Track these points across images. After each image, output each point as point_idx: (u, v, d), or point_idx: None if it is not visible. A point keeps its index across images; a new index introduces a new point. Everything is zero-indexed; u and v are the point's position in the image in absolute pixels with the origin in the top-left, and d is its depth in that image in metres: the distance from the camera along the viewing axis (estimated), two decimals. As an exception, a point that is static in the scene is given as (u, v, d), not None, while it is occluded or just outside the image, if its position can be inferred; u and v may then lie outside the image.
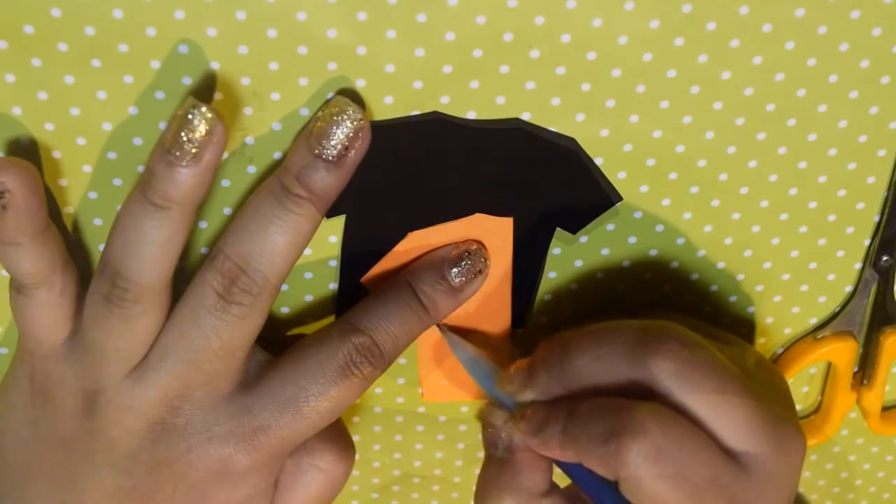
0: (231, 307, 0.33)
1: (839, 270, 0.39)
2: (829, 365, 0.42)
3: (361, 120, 0.32)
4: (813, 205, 0.37)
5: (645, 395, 0.33)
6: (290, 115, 0.33)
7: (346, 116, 0.32)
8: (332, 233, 0.36)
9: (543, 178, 0.35)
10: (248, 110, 0.33)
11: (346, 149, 0.32)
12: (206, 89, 0.32)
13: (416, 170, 0.35)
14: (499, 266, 0.37)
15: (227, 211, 0.35)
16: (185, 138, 0.31)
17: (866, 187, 0.37)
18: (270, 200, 0.33)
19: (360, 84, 0.33)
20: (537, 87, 0.33)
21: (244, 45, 0.32)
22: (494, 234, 0.36)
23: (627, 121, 0.34)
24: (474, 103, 0.33)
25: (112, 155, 0.34)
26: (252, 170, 0.34)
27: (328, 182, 0.33)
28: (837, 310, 0.40)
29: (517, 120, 0.34)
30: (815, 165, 0.36)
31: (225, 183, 0.35)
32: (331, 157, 0.32)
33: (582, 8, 0.32)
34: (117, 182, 0.35)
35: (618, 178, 0.36)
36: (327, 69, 0.32)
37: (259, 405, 0.34)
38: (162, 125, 0.33)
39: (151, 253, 0.32)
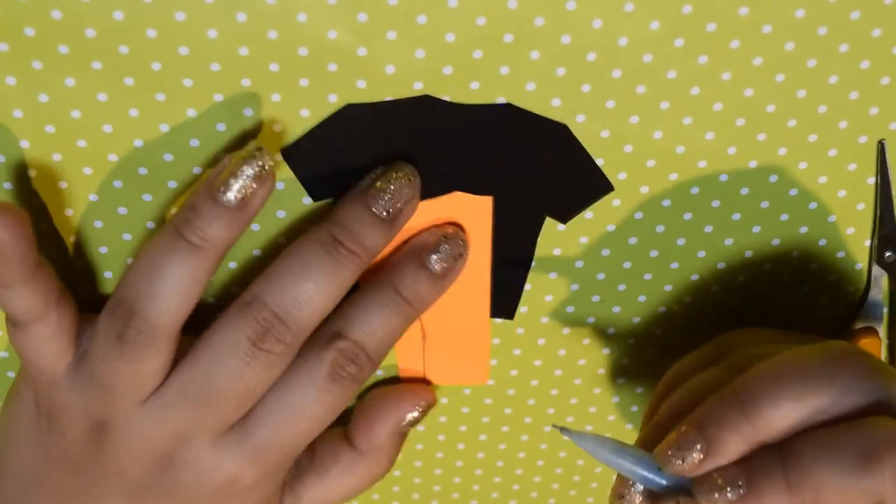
0: (261, 354, 0.33)
1: (840, 271, 0.39)
2: None
3: (418, 181, 0.34)
4: (813, 205, 0.37)
5: None
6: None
7: (407, 180, 0.33)
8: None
9: (531, 162, 0.35)
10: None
11: (402, 210, 0.33)
12: (206, 90, 0.32)
13: (402, 150, 0.35)
14: (477, 247, 0.37)
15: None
16: (238, 183, 0.31)
17: (866, 188, 0.37)
18: (319, 252, 0.33)
19: (360, 85, 0.33)
20: (537, 88, 0.33)
21: (245, 47, 0.32)
22: (473, 213, 0.36)
23: (628, 122, 0.34)
24: (475, 104, 0.33)
25: (113, 157, 0.34)
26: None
27: (378, 240, 0.33)
28: (845, 311, 0.40)
29: (507, 104, 0.34)
30: (815, 166, 0.36)
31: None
32: (384, 215, 0.33)
33: (582, 9, 0.32)
34: (118, 184, 0.35)
35: (618, 178, 0.36)
36: (328, 70, 0.32)
37: (259, 425, 0.34)
38: (163, 127, 0.33)
39: (174, 293, 0.32)
